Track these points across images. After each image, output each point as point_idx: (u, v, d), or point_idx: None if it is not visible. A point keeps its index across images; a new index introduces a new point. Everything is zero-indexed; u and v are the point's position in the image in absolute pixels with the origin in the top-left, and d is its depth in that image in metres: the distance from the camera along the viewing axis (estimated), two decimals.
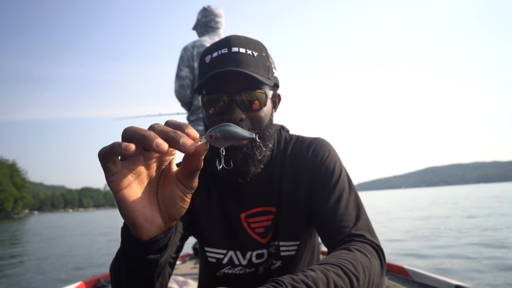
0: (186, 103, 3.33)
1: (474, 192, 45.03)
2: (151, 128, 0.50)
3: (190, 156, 0.52)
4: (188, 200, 0.57)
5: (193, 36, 3.62)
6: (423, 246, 6.44)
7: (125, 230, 0.62)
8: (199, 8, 3.57)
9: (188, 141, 0.48)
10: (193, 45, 3.31)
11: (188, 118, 3.36)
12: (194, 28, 3.60)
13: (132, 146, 0.48)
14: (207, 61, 0.99)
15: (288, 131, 1.19)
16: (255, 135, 0.52)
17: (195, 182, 0.55)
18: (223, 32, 3.55)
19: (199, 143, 0.50)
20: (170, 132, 0.48)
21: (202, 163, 0.52)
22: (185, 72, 3.24)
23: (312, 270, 0.70)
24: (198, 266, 2.93)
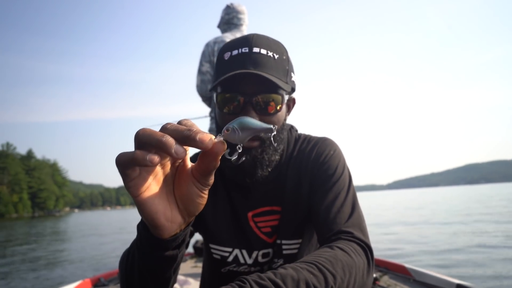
0: (207, 98, 3.37)
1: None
2: (164, 128, 0.48)
3: (207, 156, 0.49)
4: (206, 196, 0.55)
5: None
6: (427, 246, 6.35)
7: (144, 228, 0.61)
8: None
9: (205, 136, 0.46)
10: (215, 41, 3.35)
11: (210, 115, 3.38)
12: (219, 26, 3.63)
13: (157, 158, 0.46)
14: (226, 58, 0.98)
15: (297, 130, 1.18)
16: (274, 127, 0.49)
17: (212, 180, 0.54)
18: (246, 28, 3.55)
19: (216, 140, 0.48)
20: (185, 130, 0.46)
21: (219, 163, 0.50)
22: (206, 67, 3.29)
23: (284, 268, 0.67)
24: (198, 265, 2.92)
